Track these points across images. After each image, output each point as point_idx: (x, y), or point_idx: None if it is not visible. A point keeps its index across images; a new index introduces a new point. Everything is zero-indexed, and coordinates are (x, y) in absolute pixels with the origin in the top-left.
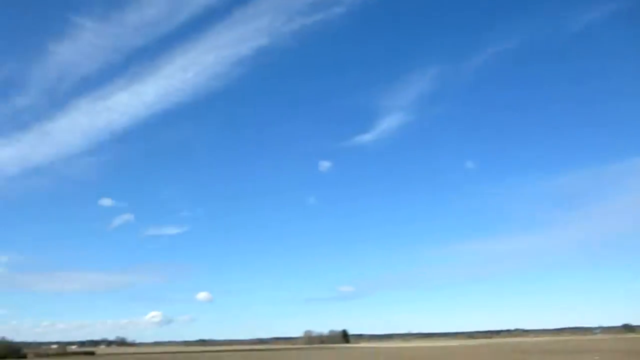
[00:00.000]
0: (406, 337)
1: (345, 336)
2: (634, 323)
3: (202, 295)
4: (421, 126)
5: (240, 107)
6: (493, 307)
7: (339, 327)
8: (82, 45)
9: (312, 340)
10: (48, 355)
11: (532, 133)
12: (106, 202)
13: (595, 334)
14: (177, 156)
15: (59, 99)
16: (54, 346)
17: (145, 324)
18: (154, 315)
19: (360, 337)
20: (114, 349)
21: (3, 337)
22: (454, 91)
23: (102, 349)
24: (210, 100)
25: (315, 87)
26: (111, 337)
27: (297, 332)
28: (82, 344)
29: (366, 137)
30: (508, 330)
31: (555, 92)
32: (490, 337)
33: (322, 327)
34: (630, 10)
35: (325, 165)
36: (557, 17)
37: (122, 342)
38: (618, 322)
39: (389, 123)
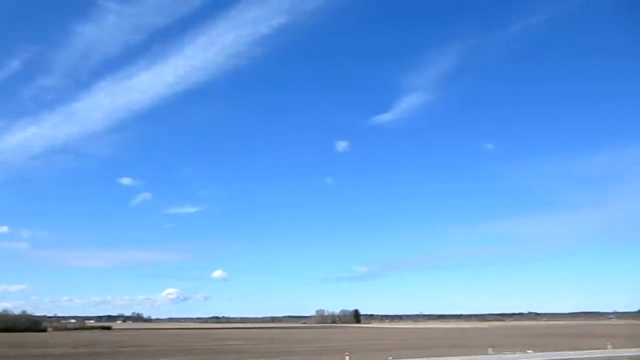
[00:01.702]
0: (417, 318)
1: (356, 316)
2: None
3: (217, 274)
4: (442, 105)
5: (259, 87)
6: (506, 290)
7: (352, 307)
8: (105, 26)
9: (323, 319)
10: (67, 329)
11: (554, 112)
12: (126, 180)
13: (610, 319)
14: (196, 136)
15: (83, 79)
16: (73, 321)
17: (162, 301)
18: (170, 292)
19: (371, 317)
20: (130, 325)
21: (23, 311)
22: (477, 69)
23: (118, 324)
24: (230, 80)
25: (334, 66)
26: (128, 313)
27: (310, 311)
28: (99, 319)
29: (385, 117)
30: (521, 314)
31: (579, 69)
32: (502, 320)
33: (336, 306)
34: None
35: (342, 145)
36: None
37: (138, 318)
38: (634, 308)
39: (409, 102)
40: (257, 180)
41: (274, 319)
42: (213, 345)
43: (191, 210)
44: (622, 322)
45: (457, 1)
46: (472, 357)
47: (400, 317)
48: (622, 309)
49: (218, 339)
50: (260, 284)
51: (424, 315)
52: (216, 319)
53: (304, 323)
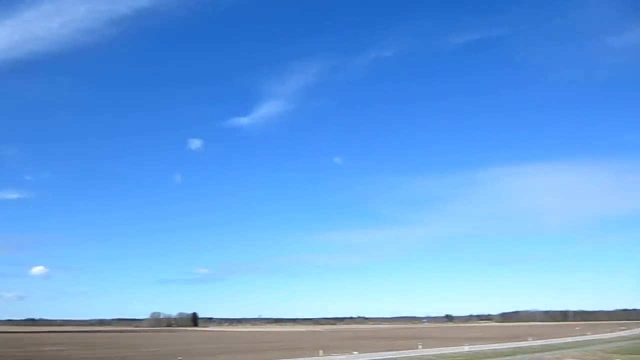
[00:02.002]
0: (256, 321)
1: (194, 319)
2: (454, 314)
3: (37, 270)
4: (300, 117)
5: (109, 69)
6: (340, 295)
7: (191, 310)
8: None
9: (158, 322)
10: None
11: (395, 137)
12: None
13: (423, 322)
14: (26, 111)
15: None
16: None
17: None
18: None
19: (210, 321)
20: None
21: None
22: (335, 87)
23: None
24: (76, 56)
25: (195, 61)
26: None
27: (144, 313)
28: None
29: (243, 120)
30: (351, 318)
31: (419, 98)
32: (334, 324)
33: (173, 309)
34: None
35: (195, 143)
36: (435, 35)
37: None
38: (442, 313)
39: (268, 109)
40: (95, 169)
41: (102, 322)
42: (23, 353)
43: (12, 196)
44: (432, 325)
45: (323, 20)
46: (304, 359)
47: (239, 321)
48: (433, 314)
49: (31, 344)
50: (88, 282)
51: (263, 319)
52: (32, 322)
53: (136, 326)
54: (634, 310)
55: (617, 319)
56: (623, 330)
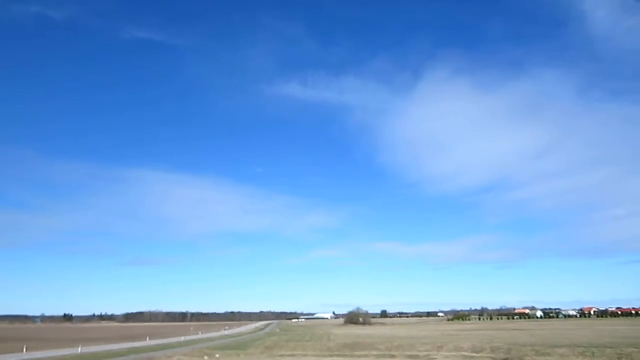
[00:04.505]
0: None
1: None
2: (74, 313)
3: None
4: None
5: None
6: None
7: None
8: None
9: None
10: None
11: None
12: None
13: (36, 322)
14: None
15: None
16: None
17: None
18: None
19: None
20: None
21: None
22: None
23: None
24: None
25: None
26: None
27: None
28: None
29: None
30: None
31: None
32: None
33: None
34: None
35: None
36: (112, 27)
37: None
38: (60, 312)
39: None
40: None
41: None
42: None
43: None
44: (47, 325)
45: None
46: None
47: None
48: (49, 313)
49: None
50: None
51: None
52: None
53: None
54: (239, 312)
55: (225, 320)
56: (227, 329)
